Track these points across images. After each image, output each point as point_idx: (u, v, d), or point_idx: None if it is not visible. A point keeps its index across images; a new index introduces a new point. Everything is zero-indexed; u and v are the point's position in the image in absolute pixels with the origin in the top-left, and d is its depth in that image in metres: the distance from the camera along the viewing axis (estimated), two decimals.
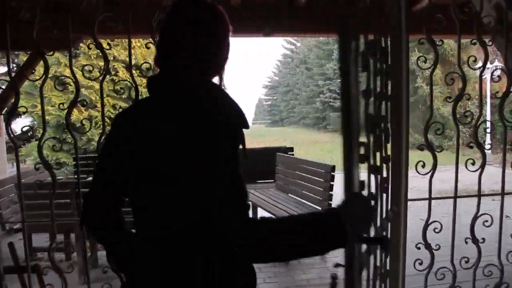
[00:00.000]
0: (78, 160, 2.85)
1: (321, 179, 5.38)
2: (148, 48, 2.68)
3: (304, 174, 5.89)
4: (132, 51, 11.04)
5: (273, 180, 6.92)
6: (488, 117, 13.70)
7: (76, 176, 6.78)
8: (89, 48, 3.53)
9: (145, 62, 2.80)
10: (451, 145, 16.60)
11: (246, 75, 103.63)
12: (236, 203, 1.27)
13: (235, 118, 1.33)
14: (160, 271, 1.28)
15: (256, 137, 30.08)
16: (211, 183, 1.22)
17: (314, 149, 20.10)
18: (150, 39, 2.72)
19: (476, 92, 14.80)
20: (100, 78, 2.73)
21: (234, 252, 1.23)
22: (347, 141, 1.08)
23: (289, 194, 6.24)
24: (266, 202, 5.87)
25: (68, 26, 2.54)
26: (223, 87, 1.42)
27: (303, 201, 5.77)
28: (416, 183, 8.21)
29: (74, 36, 3.61)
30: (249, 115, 66.95)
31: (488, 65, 13.20)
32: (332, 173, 5.19)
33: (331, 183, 5.16)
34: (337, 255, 1.25)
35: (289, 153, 7.48)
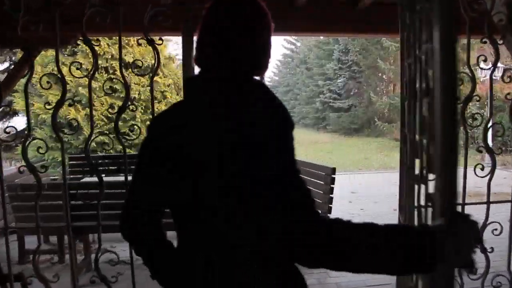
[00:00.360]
0: (67, 161, 2.68)
1: (321, 182, 5.23)
2: (140, 44, 2.52)
3: (303, 177, 5.74)
4: (131, 49, 10.97)
5: None
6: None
7: (71, 176, 6.74)
8: (78, 45, 3.38)
9: (137, 60, 2.65)
10: None
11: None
12: (308, 203, 1.22)
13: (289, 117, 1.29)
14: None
15: None
16: (281, 189, 1.18)
17: (314, 149, 19.97)
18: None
19: (480, 93, 14.62)
20: (90, 75, 2.58)
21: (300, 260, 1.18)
22: (447, 146, 0.93)
23: None
24: None
25: (55, 22, 2.40)
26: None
27: None
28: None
29: (69, 33, 3.51)
30: None
31: (489, 65, 13.13)
32: (332, 176, 5.05)
33: (332, 186, 5.03)
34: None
35: None
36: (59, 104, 2.48)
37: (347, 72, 29.63)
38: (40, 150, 2.64)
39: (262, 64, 1.30)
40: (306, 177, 5.38)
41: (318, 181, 5.27)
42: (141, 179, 1.30)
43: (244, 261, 1.16)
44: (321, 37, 36.54)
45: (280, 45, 44.20)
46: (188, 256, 1.24)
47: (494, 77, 11.34)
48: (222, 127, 1.17)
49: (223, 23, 1.25)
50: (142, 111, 11.58)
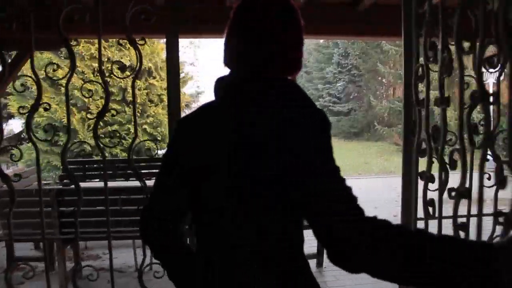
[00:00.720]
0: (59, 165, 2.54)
1: None
2: (120, 44, 2.39)
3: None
4: (127, 52, 10.83)
5: None
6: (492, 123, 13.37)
7: (62, 181, 6.58)
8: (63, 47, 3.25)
9: (118, 61, 2.50)
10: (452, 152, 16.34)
11: None
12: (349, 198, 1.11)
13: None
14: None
15: None
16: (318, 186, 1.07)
17: None
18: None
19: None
20: (67, 77, 2.45)
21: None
22: None
23: None
24: None
25: (30, 25, 2.28)
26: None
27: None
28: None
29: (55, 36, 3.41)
30: None
31: (491, 69, 13.05)
32: None
33: None
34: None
35: None
36: (34, 108, 2.35)
37: (347, 76, 29.53)
38: (33, 155, 2.52)
39: (294, 63, 1.24)
40: None
41: None
42: (156, 184, 1.31)
43: (245, 261, 1.15)
44: (321, 41, 36.53)
45: None
46: (196, 258, 1.26)
47: (495, 81, 11.16)
48: (240, 127, 1.14)
49: (252, 22, 1.19)
50: (139, 114, 11.43)
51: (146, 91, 11.79)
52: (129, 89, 11.02)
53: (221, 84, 1.24)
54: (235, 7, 1.21)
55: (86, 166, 7.14)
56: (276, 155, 1.09)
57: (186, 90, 21.67)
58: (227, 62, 1.24)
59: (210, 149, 1.17)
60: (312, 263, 4.66)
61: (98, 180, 6.73)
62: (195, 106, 22.68)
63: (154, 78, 11.96)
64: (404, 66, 2.79)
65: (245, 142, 1.12)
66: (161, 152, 9.49)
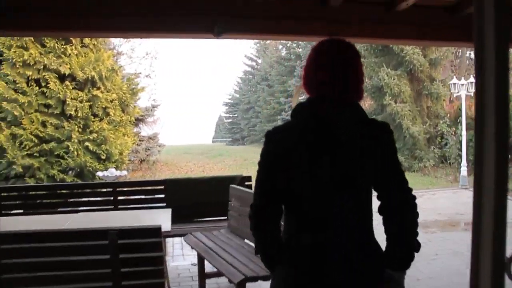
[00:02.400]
0: None
1: None
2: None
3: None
4: (67, 59, 9.50)
5: (225, 217, 5.53)
6: (464, 137, 12.62)
7: None
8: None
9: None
10: (421, 167, 15.61)
11: (207, 92, 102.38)
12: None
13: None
14: (317, 262, 1.68)
15: (215, 156, 28.63)
16: (363, 184, 1.74)
17: None
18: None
19: (447, 110, 13.57)
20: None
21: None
22: None
23: (246, 240, 4.86)
24: (212, 252, 4.46)
25: None
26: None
27: None
28: None
29: None
30: (210, 133, 65.56)
31: (463, 81, 12.23)
32: None
33: None
34: None
35: (246, 183, 6.09)
36: None
37: None
38: None
39: (360, 90, 1.77)
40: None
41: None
42: (259, 186, 1.79)
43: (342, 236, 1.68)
44: (283, 53, 35.92)
45: (240, 62, 43.36)
46: (294, 243, 1.75)
47: (468, 93, 10.06)
48: (324, 137, 1.69)
49: (326, 58, 1.74)
50: (81, 129, 10.19)
51: (88, 103, 10.46)
52: (69, 101, 9.79)
53: (302, 107, 1.77)
54: (313, 49, 1.78)
55: (24, 193, 5.84)
56: (364, 154, 1.69)
57: (140, 103, 20.33)
58: (308, 88, 1.78)
59: (306, 154, 1.68)
60: None
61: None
62: (151, 120, 21.43)
63: (99, 89, 10.62)
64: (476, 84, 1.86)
65: (341, 146, 1.68)
66: (103, 174, 8.43)
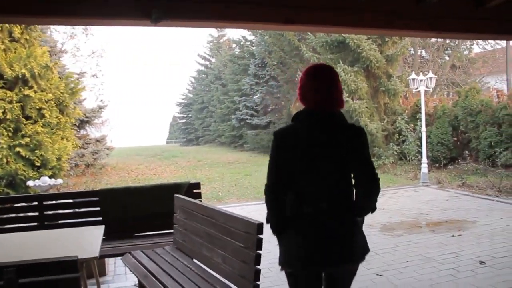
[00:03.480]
0: None
1: (240, 244, 3.32)
2: None
3: (214, 233, 3.78)
4: None
5: (171, 230, 4.78)
6: (424, 133, 12.21)
7: None
8: None
9: None
10: (380, 164, 15.22)
11: (159, 92, 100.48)
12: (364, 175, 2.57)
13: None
14: (309, 234, 2.51)
15: (168, 158, 27.59)
16: (343, 168, 2.54)
17: (231, 171, 18.06)
18: None
19: (403, 107, 13.16)
20: None
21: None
22: None
23: (194, 260, 4.13)
24: (153, 278, 3.72)
25: None
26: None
27: (214, 274, 3.69)
28: None
29: None
30: (163, 134, 64.12)
31: (421, 77, 11.85)
32: (259, 236, 3.13)
33: (258, 251, 3.11)
34: None
35: (194, 191, 5.33)
36: None
37: (264, 87, 28.14)
38: None
39: (340, 102, 2.62)
40: (217, 234, 3.43)
41: (236, 243, 3.35)
42: (272, 168, 2.57)
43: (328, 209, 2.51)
44: (236, 51, 35.24)
45: (193, 61, 42.41)
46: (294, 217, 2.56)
47: (426, 89, 9.45)
48: (317, 135, 2.51)
49: (317, 82, 2.56)
50: (11, 133, 9.06)
51: (19, 104, 9.32)
52: None
53: (301, 114, 2.59)
54: (304, 73, 2.62)
55: None
56: (342, 146, 2.50)
57: (86, 103, 19.16)
58: (303, 101, 2.60)
59: (305, 147, 2.50)
60: None
61: None
62: (97, 122, 20.24)
63: (31, 88, 9.52)
64: None
65: (328, 141, 2.51)
66: (34, 183, 7.40)
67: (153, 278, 3.73)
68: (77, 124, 17.93)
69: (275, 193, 2.56)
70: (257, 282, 3.11)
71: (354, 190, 2.58)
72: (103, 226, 4.21)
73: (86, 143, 18.21)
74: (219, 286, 3.43)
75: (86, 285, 4.41)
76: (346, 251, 2.54)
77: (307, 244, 2.51)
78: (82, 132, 19.32)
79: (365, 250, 2.65)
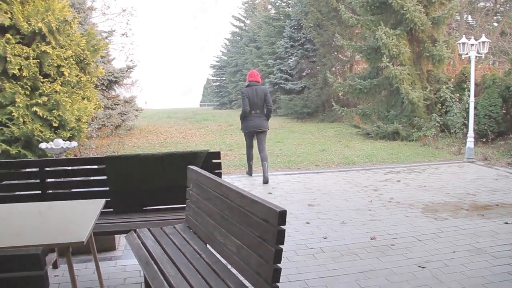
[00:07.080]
0: None
1: (257, 234, 2.67)
2: None
3: (229, 216, 3.13)
4: (6, 7, 7.73)
5: (184, 205, 4.18)
6: (472, 104, 11.12)
7: None
8: None
9: None
10: (421, 136, 14.24)
11: (193, 54, 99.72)
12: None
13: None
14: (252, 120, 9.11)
15: (199, 121, 27.14)
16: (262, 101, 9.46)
17: None
18: None
19: (448, 75, 11.82)
20: None
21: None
22: None
23: (208, 245, 3.51)
24: (155, 266, 3.12)
25: None
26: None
27: (229, 266, 3.07)
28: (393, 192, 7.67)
29: None
30: (197, 97, 63.70)
31: (472, 41, 10.65)
32: (280, 227, 2.46)
33: (278, 246, 2.45)
34: None
35: (213, 161, 4.68)
36: None
37: (300, 50, 27.05)
38: None
39: (259, 80, 9.46)
40: (232, 220, 2.61)
41: (254, 233, 2.70)
42: (243, 98, 9.10)
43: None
44: (272, 12, 34.04)
45: (228, 23, 41.37)
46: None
47: (478, 54, 8.05)
48: (253, 91, 9.02)
49: (252, 76, 9.33)
50: (28, 92, 8.57)
51: (36, 61, 8.66)
52: (10, 57, 8.14)
53: (250, 84, 9.16)
54: (249, 75, 9.46)
55: None
56: (263, 94, 9.17)
57: (115, 63, 18.67)
58: (251, 82, 9.22)
59: (251, 95, 9.01)
60: None
61: None
62: (126, 82, 19.81)
63: (49, 43, 8.88)
64: None
65: (257, 92, 9.11)
66: (47, 145, 6.92)
67: (155, 267, 3.13)
68: (106, 84, 17.48)
69: (246, 107, 8.91)
70: (277, 284, 2.47)
71: (265, 109, 9.08)
72: (103, 200, 3.64)
73: (115, 104, 17.78)
74: (231, 283, 2.80)
75: (97, 260, 3.88)
76: (262, 126, 8.91)
77: (252, 123, 8.88)
78: (112, 93, 18.93)
79: (267, 127, 9.14)
